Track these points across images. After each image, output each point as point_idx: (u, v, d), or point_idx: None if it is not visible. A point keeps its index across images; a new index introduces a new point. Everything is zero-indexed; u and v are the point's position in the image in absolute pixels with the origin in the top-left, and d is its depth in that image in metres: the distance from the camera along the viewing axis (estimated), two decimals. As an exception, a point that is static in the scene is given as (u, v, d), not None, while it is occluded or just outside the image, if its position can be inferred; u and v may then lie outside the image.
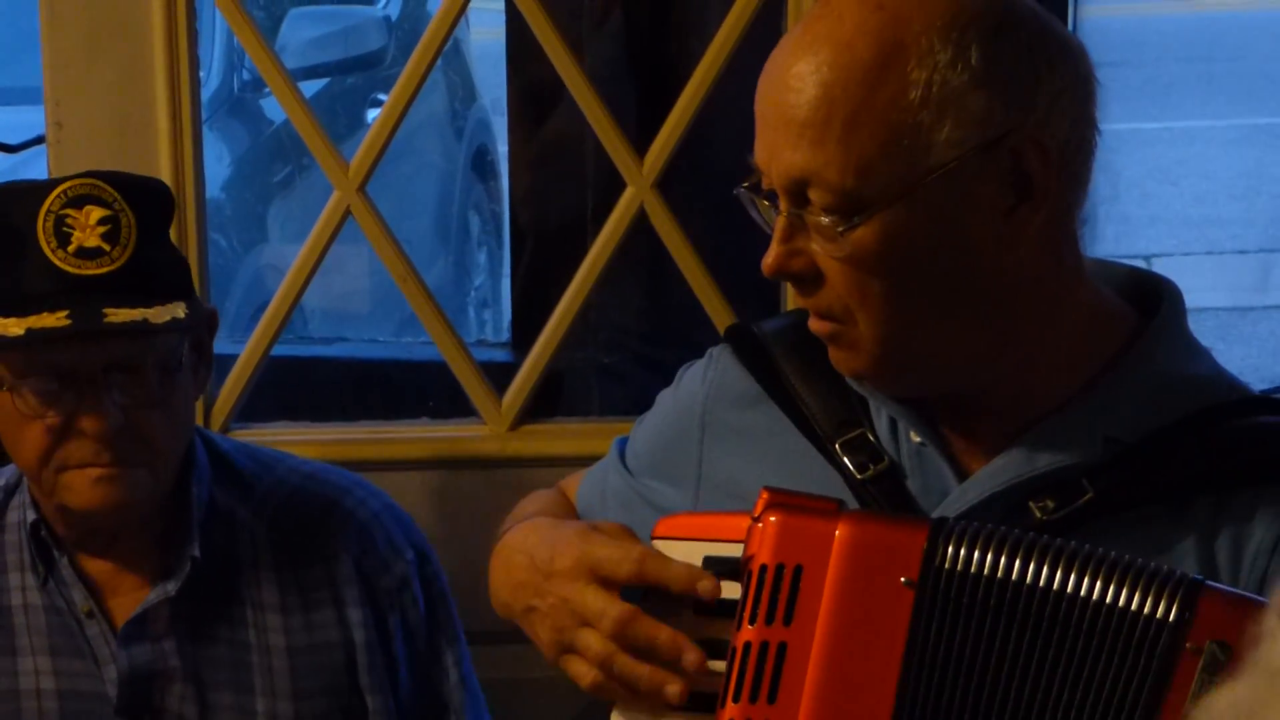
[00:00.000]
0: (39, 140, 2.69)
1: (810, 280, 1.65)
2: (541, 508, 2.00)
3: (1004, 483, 1.68)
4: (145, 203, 2.13)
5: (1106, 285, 1.77)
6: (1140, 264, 1.99)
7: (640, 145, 2.65)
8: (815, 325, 1.70)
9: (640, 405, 2.06)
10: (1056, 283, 1.70)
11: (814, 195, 1.61)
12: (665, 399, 1.98)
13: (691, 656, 1.61)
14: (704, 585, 1.62)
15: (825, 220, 1.62)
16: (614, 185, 2.74)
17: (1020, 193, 1.61)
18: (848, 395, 1.77)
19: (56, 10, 2.62)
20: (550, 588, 1.73)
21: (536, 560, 1.76)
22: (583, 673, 1.68)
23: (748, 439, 1.84)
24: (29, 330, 2.05)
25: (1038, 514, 1.65)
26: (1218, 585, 1.51)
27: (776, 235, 1.65)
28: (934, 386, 1.73)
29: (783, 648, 1.55)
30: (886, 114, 1.58)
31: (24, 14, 2.71)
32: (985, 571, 1.53)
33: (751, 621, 1.56)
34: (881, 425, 1.76)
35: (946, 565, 1.53)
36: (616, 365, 2.95)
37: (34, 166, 2.66)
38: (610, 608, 1.65)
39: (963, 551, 1.53)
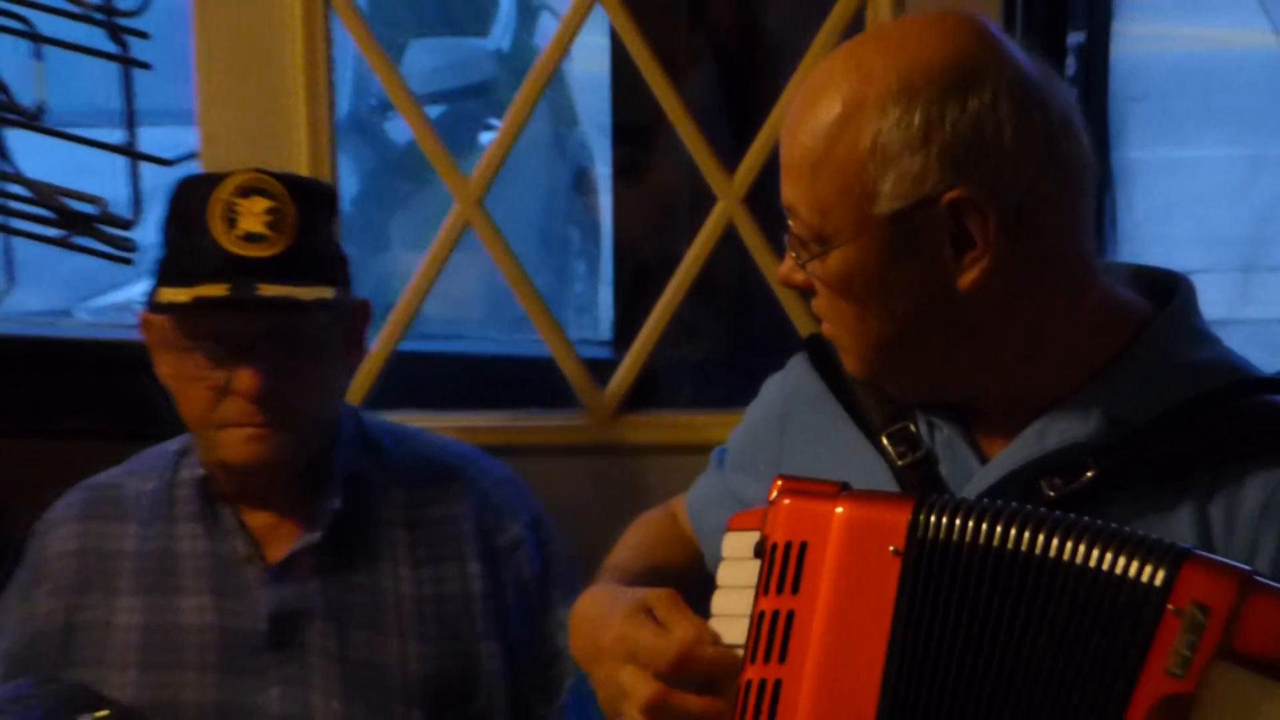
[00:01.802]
0: (192, 156, 2.75)
1: (809, 292, 1.74)
2: (641, 538, 2.06)
3: (1017, 464, 1.72)
4: (307, 198, 2.21)
5: (1126, 285, 1.79)
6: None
7: (730, 165, 2.66)
8: (824, 329, 1.79)
9: (727, 400, 2.12)
10: (1050, 301, 1.72)
11: (793, 225, 1.71)
12: (751, 409, 2.01)
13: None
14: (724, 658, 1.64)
15: (800, 248, 1.72)
16: (706, 201, 2.74)
17: (959, 245, 1.65)
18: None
19: (208, 41, 2.66)
20: (599, 662, 1.76)
21: (592, 633, 1.79)
22: None
23: (817, 434, 1.89)
24: (195, 298, 2.13)
25: (1048, 492, 1.68)
26: (1200, 552, 1.50)
27: (787, 250, 1.75)
28: (925, 394, 1.80)
29: (791, 614, 1.58)
30: (843, 163, 1.64)
31: (179, 44, 2.73)
32: (966, 539, 1.54)
33: (766, 593, 1.59)
34: (921, 419, 1.81)
35: (929, 535, 1.55)
36: (707, 363, 2.94)
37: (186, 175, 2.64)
38: (641, 688, 1.67)
39: (944, 521, 1.55)
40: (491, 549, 2.31)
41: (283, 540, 2.28)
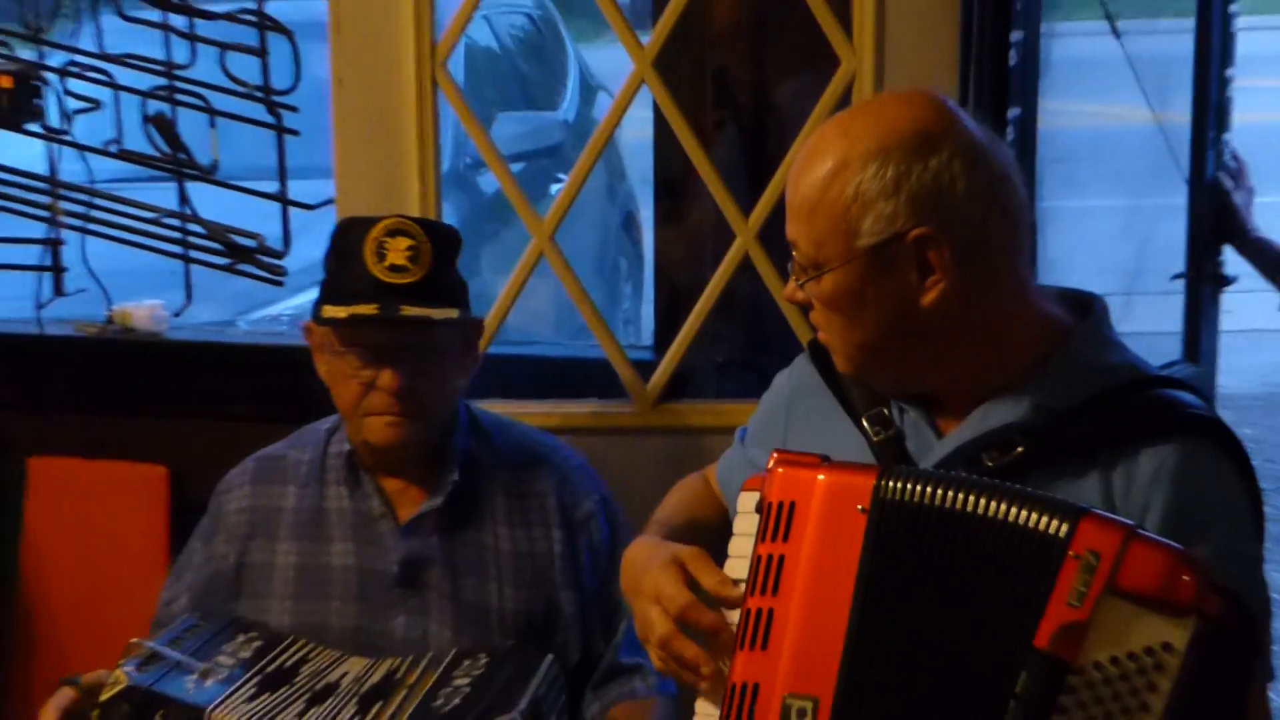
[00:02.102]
0: (330, 202, 2.78)
1: (808, 307, 1.74)
2: (681, 498, 2.05)
3: (964, 440, 1.71)
4: (439, 238, 2.22)
5: (1053, 303, 1.78)
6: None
7: (746, 208, 2.66)
8: (819, 336, 1.78)
9: (744, 392, 2.11)
10: (993, 314, 1.71)
11: (796, 255, 1.72)
12: (765, 397, 2.00)
13: (724, 636, 1.62)
14: (733, 597, 1.63)
15: (801, 273, 1.72)
16: (727, 237, 2.73)
17: (922, 271, 1.65)
18: None
19: (343, 113, 2.69)
20: (637, 599, 1.75)
21: (635, 576, 1.77)
22: (654, 657, 1.71)
23: (814, 416, 1.88)
24: (351, 315, 2.16)
25: (987, 463, 1.67)
26: (1096, 510, 1.50)
27: (791, 275, 1.75)
28: (897, 385, 1.79)
29: (782, 558, 1.57)
30: (833, 207, 1.65)
31: (321, 116, 2.77)
32: (917, 499, 1.54)
33: (763, 541, 1.59)
34: (894, 406, 1.80)
35: (889, 496, 1.54)
36: (727, 363, 2.92)
37: (325, 219, 2.70)
38: (660, 625, 1.67)
39: (901, 486, 1.55)
40: (569, 519, 2.30)
41: (411, 503, 2.28)
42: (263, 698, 1.98)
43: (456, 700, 1.93)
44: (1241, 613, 1.46)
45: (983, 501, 1.51)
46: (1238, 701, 1.46)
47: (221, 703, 1.96)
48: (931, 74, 2.55)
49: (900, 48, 2.57)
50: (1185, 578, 1.43)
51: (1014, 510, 1.49)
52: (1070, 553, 1.46)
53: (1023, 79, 2.85)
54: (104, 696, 1.93)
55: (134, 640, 2.16)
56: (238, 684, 2.02)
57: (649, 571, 1.71)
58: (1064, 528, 1.47)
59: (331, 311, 2.19)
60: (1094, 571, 1.45)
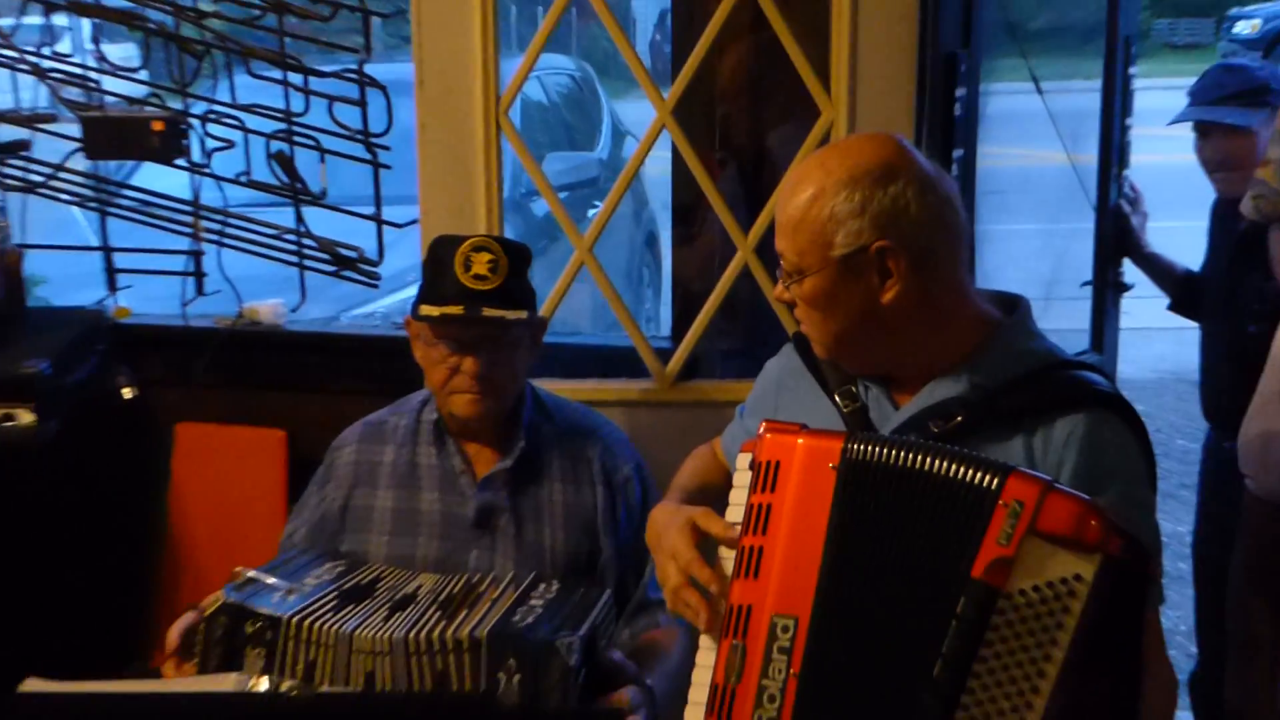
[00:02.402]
0: (414, 222, 2.77)
1: (793, 306, 1.74)
2: (694, 467, 2.03)
3: (914, 412, 1.72)
4: (514, 254, 2.21)
5: (987, 302, 1.78)
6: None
7: (745, 227, 2.65)
8: (802, 328, 1.78)
9: (743, 374, 2.07)
10: (939, 310, 1.70)
11: (783, 263, 1.71)
12: (760, 378, 1.99)
13: (717, 588, 1.60)
14: (732, 539, 1.61)
15: (787, 278, 1.72)
16: (729, 250, 2.72)
17: (883, 276, 1.66)
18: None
19: (426, 152, 2.67)
20: (657, 553, 1.74)
21: (657, 534, 1.76)
22: (668, 600, 1.70)
23: (799, 393, 1.88)
24: (442, 314, 2.16)
25: (933, 429, 1.67)
26: (1021, 468, 1.49)
27: (779, 280, 1.74)
28: (862, 367, 1.78)
29: (769, 506, 1.57)
30: (813, 225, 1.66)
31: (408, 154, 2.76)
32: (877, 459, 1.53)
33: (755, 492, 1.58)
34: (860, 383, 1.79)
35: (854, 457, 1.54)
36: (730, 351, 2.91)
37: (410, 236, 2.71)
38: (674, 576, 1.66)
39: (864, 448, 1.54)
40: (611, 481, 2.29)
41: (486, 463, 2.27)
42: (345, 609, 1.95)
43: (530, 619, 1.91)
44: (1138, 550, 1.46)
45: (929, 460, 1.50)
46: (1135, 621, 1.46)
47: (301, 611, 1.93)
48: (893, 121, 2.54)
49: (868, 101, 2.57)
50: (1093, 522, 1.43)
51: (954, 468, 1.49)
52: (1000, 502, 1.45)
53: (965, 127, 2.85)
54: (207, 612, 1.93)
55: (236, 569, 2.14)
56: (317, 597, 1.99)
57: (668, 531, 1.70)
58: (995, 481, 1.46)
59: (427, 310, 2.18)
60: (1019, 517, 1.44)
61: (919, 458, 1.51)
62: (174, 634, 1.99)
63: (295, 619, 1.88)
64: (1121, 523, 1.46)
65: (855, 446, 1.54)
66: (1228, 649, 2.69)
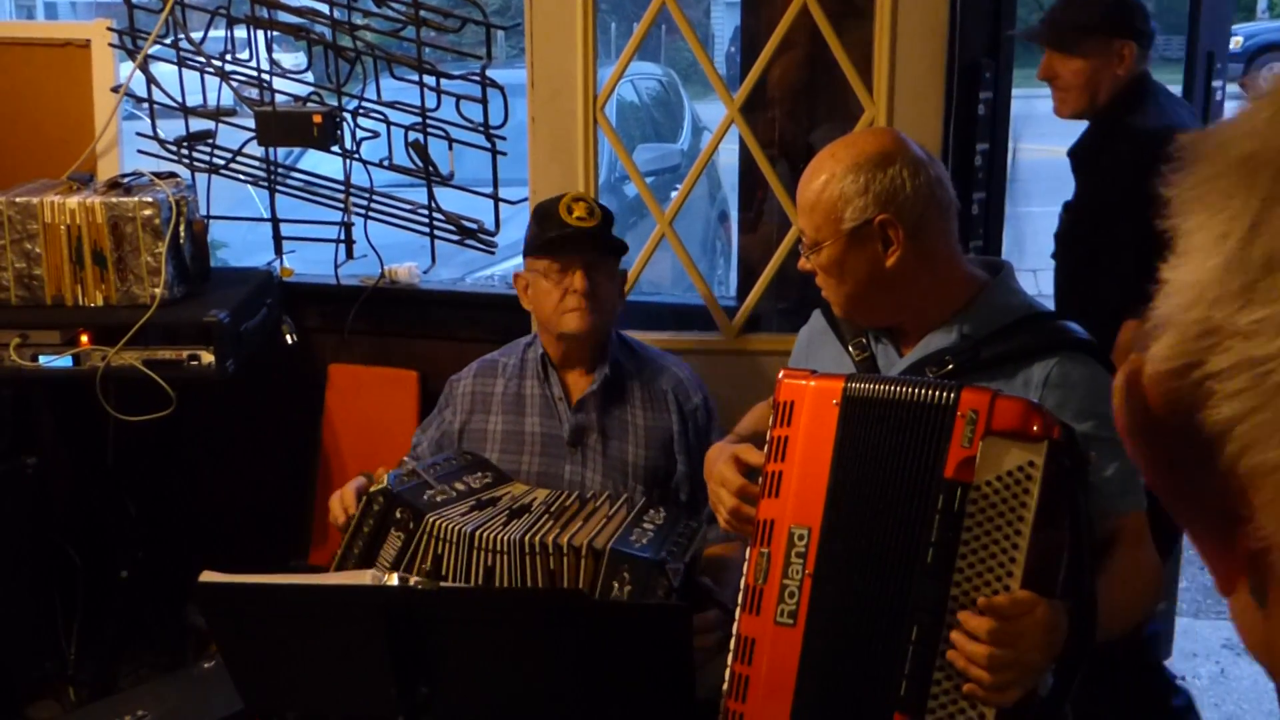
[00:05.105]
0: (525, 200, 2.81)
1: (813, 274, 1.75)
2: (752, 417, 1.96)
3: (914, 359, 1.72)
4: (603, 208, 2.27)
5: (975, 266, 1.77)
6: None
7: None
8: (823, 294, 1.77)
9: (795, 328, 2.03)
10: (933, 273, 1.70)
11: (803, 238, 1.73)
12: (797, 341, 1.97)
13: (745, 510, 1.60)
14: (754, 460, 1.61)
15: (807, 250, 1.72)
16: (786, 227, 2.73)
17: (885, 244, 1.66)
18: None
19: (535, 141, 2.72)
20: (710, 480, 1.73)
21: (711, 465, 1.75)
22: (721, 520, 1.70)
23: (823, 348, 1.87)
24: (558, 234, 2.20)
25: (929, 374, 1.66)
26: (974, 384, 1.49)
27: (802, 252, 1.74)
28: (872, 322, 1.78)
29: (787, 439, 1.57)
30: (826, 205, 1.67)
31: (521, 143, 2.81)
32: (868, 395, 1.54)
33: (775, 427, 1.58)
34: (870, 336, 1.79)
35: (853, 395, 1.54)
36: (785, 309, 2.91)
37: (522, 212, 2.77)
38: (727, 500, 1.65)
39: (861, 387, 1.55)
40: (683, 409, 2.29)
41: (579, 389, 2.29)
42: (473, 514, 1.95)
43: (643, 540, 1.90)
44: (1074, 434, 1.46)
45: (905, 390, 1.52)
46: (1080, 486, 1.47)
47: (440, 511, 1.94)
48: (924, 119, 2.54)
49: (904, 101, 2.58)
50: (1036, 417, 1.45)
51: (921, 393, 1.50)
52: (959, 414, 1.46)
53: (990, 125, 2.91)
54: (372, 489, 1.96)
55: (405, 458, 2.26)
56: (457, 502, 1.99)
57: (716, 464, 1.70)
58: (951, 398, 1.47)
59: (545, 238, 2.21)
60: (975, 422, 1.44)
61: (896, 389, 1.52)
62: (349, 491, 2.03)
63: (433, 518, 1.91)
64: (1091, 447, 1.47)
65: (853, 385, 1.55)
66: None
